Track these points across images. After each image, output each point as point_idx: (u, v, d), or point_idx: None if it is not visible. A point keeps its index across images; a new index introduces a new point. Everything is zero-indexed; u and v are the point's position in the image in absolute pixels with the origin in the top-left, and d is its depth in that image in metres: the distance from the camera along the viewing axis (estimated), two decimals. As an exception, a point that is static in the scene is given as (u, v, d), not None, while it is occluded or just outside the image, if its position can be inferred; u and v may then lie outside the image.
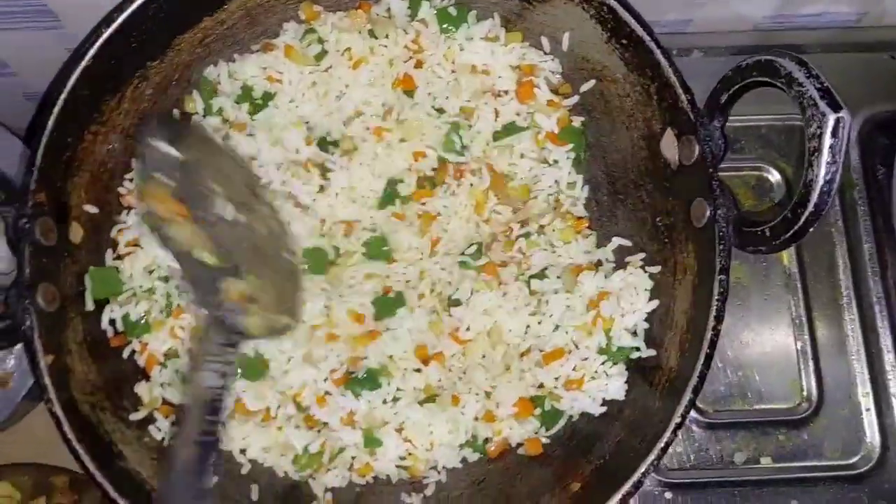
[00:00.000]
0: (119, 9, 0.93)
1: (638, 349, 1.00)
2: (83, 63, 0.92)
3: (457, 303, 1.02)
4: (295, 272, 1.00)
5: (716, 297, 0.89)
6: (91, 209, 0.98)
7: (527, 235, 1.04)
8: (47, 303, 0.90)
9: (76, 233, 0.97)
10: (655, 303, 1.00)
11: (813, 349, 1.16)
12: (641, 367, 0.99)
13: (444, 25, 1.05)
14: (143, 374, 1.01)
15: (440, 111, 1.06)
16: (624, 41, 0.97)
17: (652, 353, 0.99)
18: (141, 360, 1.01)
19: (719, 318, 0.89)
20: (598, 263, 1.05)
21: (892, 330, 1.15)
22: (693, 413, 1.10)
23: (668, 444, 0.88)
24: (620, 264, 1.03)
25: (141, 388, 0.99)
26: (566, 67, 1.07)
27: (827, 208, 0.80)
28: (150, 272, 1.01)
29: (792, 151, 1.22)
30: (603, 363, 0.99)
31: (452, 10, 1.05)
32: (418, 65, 1.06)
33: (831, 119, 0.78)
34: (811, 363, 1.16)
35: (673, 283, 0.98)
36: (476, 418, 1.01)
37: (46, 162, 0.91)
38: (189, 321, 1.00)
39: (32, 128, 1.17)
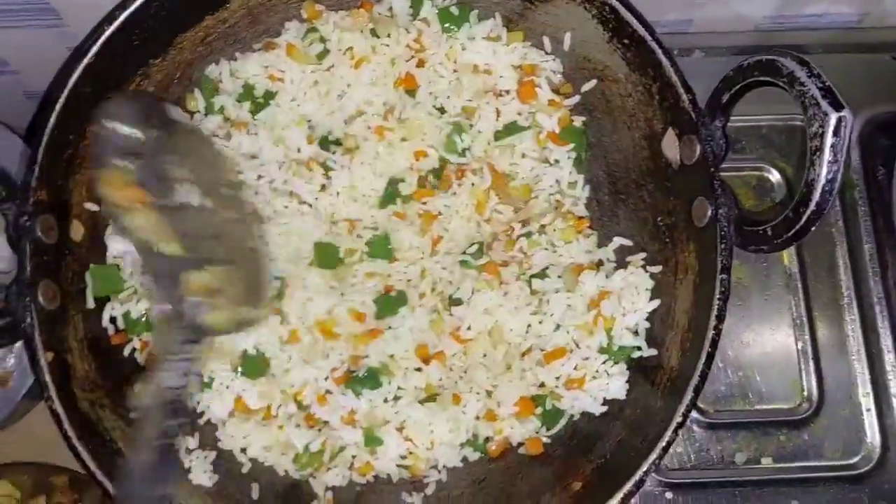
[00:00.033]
0: (121, 7, 0.93)
1: (639, 348, 1.00)
2: (85, 61, 0.92)
3: (458, 302, 1.02)
4: (263, 260, 0.95)
5: (717, 297, 0.89)
6: (92, 207, 0.98)
7: (528, 235, 1.04)
8: (48, 300, 0.90)
9: (77, 230, 0.96)
10: (657, 302, 1.00)
11: (813, 349, 1.16)
12: (642, 367, 0.99)
13: (446, 25, 1.05)
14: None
15: (441, 111, 1.06)
16: (626, 41, 0.97)
17: (653, 352, 0.99)
18: (141, 358, 1.00)
19: (721, 318, 0.88)
20: (600, 263, 1.05)
21: (893, 330, 1.15)
22: (694, 413, 1.10)
23: (669, 444, 0.88)
24: (621, 264, 1.03)
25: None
26: (567, 67, 1.07)
27: (829, 207, 0.80)
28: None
29: (793, 151, 1.22)
30: (604, 362, 1.00)
31: (454, 10, 1.05)
32: (420, 64, 1.06)
33: (833, 118, 0.78)
34: (812, 363, 1.16)
35: (674, 283, 0.98)
36: (477, 417, 1.01)
37: (48, 160, 0.90)
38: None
39: (33, 126, 1.16)
